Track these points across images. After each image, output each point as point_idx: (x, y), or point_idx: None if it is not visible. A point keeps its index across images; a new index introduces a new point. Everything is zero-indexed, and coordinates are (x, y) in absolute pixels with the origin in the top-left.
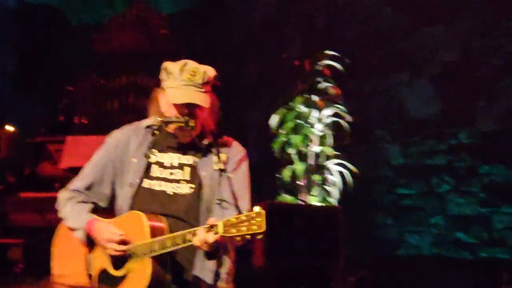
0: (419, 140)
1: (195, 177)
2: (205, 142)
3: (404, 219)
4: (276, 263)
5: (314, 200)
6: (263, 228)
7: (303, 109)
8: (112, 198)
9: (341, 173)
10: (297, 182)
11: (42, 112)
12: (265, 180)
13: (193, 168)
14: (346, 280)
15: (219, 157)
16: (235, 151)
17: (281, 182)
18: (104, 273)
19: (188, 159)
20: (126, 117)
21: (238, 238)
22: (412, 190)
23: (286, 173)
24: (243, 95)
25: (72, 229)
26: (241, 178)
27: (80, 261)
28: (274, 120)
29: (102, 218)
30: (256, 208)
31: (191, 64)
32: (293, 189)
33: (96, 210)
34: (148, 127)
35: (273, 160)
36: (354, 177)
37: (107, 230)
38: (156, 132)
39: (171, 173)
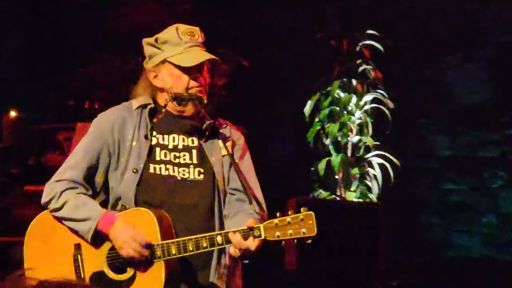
0: (469, 129)
1: (204, 162)
2: (206, 123)
3: (451, 218)
4: (310, 266)
5: (352, 196)
6: (314, 231)
7: (340, 94)
8: (104, 187)
9: (382, 166)
10: (334, 176)
11: (51, 97)
12: (298, 173)
13: (200, 151)
14: (387, 284)
15: (224, 142)
16: (237, 136)
17: (316, 176)
18: (99, 277)
19: (193, 141)
20: None
21: (283, 243)
22: (461, 186)
23: (321, 166)
24: (273, 80)
25: (75, 220)
26: (249, 166)
27: (65, 262)
28: (307, 107)
29: (117, 216)
30: (305, 209)
31: (182, 25)
32: (329, 183)
33: None
34: (140, 107)
35: (307, 151)
36: (396, 171)
37: (132, 229)
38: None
39: (176, 156)
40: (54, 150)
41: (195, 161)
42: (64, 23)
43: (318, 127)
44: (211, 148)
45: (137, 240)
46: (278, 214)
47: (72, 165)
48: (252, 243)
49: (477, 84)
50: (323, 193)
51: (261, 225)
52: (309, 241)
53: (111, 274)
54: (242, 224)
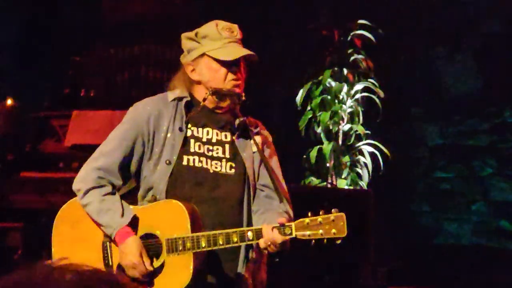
0: (459, 118)
1: (236, 157)
2: (239, 119)
3: (441, 206)
4: (300, 252)
5: (343, 183)
6: (345, 232)
7: (331, 83)
8: (136, 175)
9: (372, 155)
10: (325, 163)
11: (47, 85)
12: (290, 161)
13: (233, 146)
14: (377, 271)
15: (256, 139)
16: (266, 133)
17: (307, 164)
18: None
19: (226, 136)
20: (136, 90)
21: (313, 242)
22: (451, 174)
23: (312, 154)
24: (265, 69)
25: (97, 222)
26: (277, 164)
27: (94, 248)
28: (299, 95)
29: (133, 232)
30: (335, 211)
31: (222, 22)
32: (320, 171)
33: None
34: (175, 99)
35: (298, 139)
36: (387, 159)
37: (138, 256)
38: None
39: (209, 149)
40: (50, 137)
41: (227, 155)
42: (60, 12)
43: (310, 116)
44: (243, 144)
45: (137, 269)
46: (309, 214)
47: (106, 153)
48: (280, 237)
49: (466, 74)
50: (314, 181)
51: (293, 224)
52: (339, 241)
53: None
54: (272, 222)
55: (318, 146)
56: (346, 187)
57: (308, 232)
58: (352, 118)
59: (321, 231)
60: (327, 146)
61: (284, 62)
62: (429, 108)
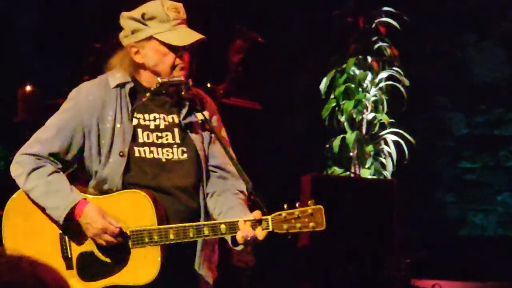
0: (486, 108)
1: (186, 140)
2: (184, 99)
3: (467, 196)
4: (323, 242)
5: (366, 173)
6: (323, 226)
7: (355, 71)
8: (80, 167)
9: (397, 144)
10: (348, 153)
11: (67, 72)
12: (313, 150)
13: (182, 129)
14: (401, 262)
15: (204, 115)
16: (211, 105)
17: (330, 153)
18: (88, 257)
19: (173, 118)
20: None
21: (289, 236)
22: (477, 164)
23: (335, 143)
24: (287, 57)
25: (45, 207)
26: (226, 138)
27: (50, 241)
28: (323, 83)
29: (87, 202)
30: (312, 203)
31: (167, 1)
32: (343, 160)
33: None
34: (118, 86)
35: (322, 128)
36: (411, 148)
37: (102, 219)
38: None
39: (158, 137)
40: None
41: (177, 140)
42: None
43: (333, 104)
44: (191, 124)
45: (108, 232)
46: (285, 206)
47: (43, 141)
48: (260, 233)
49: (494, 61)
50: (337, 170)
51: (269, 217)
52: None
53: (101, 255)
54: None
55: (341, 135)
56: (370, 176)
57: (285, 226)
58: (376, 106)
59: (299, 225)
60: (350, 135)
61: (307, 49)
62: (455, 97)
